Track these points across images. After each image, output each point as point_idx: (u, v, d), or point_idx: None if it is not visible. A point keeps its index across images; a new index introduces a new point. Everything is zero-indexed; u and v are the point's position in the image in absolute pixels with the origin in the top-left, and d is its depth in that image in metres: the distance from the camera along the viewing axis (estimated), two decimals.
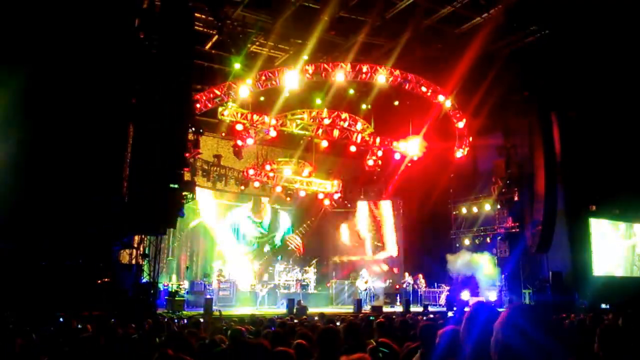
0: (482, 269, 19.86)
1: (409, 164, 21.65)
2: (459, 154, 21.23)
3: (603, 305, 17.11)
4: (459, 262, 20.30)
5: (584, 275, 19.13)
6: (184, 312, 14.40)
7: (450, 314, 12.88)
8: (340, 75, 17.63)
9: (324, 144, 20.82)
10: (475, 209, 21.67)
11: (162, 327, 7.38)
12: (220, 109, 17.96)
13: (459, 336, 2.36)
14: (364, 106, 21.20)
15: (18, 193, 12.53)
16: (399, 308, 17.89)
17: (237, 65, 17.08)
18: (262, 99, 18.94)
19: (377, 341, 3.00)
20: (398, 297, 20.43)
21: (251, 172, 21.24)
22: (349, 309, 17.08)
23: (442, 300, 19.42)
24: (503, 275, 19.48)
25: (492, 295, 18.84)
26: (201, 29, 16.89)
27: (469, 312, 2.31)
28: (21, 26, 12.74)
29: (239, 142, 19.51)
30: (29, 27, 12.83)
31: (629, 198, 19.67)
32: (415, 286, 20.28)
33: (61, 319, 8.51)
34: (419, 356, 3.49)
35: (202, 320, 9.87)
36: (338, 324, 6.90)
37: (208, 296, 16.05)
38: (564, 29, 16.83)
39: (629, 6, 14.81)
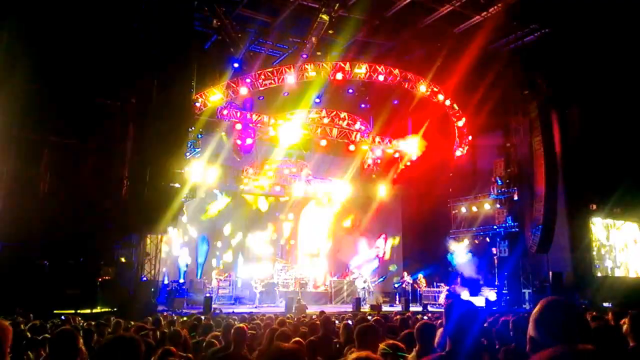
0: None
1: (408, 163, 21.67)
2: (459, 153, 21.25)
3: (605, 304, 17.13)
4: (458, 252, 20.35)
5: (585, 275, 19.13)
6: (184, 311, 14.43)
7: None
8: (339, 75, 17.65)
9: (323, 143, 20.84)
10: (474, 209, 21.68)
11: (162, 325, 7.40)
12: (219, 108, 17.98)
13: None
14: (363, 105, 21.22)
15: (20, 193, 12.58)
16: (398, 307, 17.91)
17: (236, 65, 17.10)
18: (261, 98, 18.97)
19: (390, 345, 3.02)
20: (397, 296, 20.44)
21: (250, 171, 21.25)
22: (348, 307, 17.10)
23: (442, 300, 19.41)
24: (503, 275, 19.48)
25: (491, 295, 18.84)
26: (200, 28, 16.91)
27: (445, 308, 2.37)
28: (23, 26, 12.77)
29: (238, 142, 19.53)
30: (31, 26, 12.87)
31: (630, 197, 19.68)
32: (415, 285, 20.27)
33: (62, 317, 8.55)
34: (414, 354, 3.51)
35: (202, 318, 9.89)
36: (337, 322, 6.92)
37: (207, 294, 16.08)
38: (564, 27, 16.85)
39: (629, 4, 14.82)
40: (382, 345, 2.96)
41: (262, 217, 21.95)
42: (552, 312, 1.66)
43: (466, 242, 21.67)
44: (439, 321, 6.40)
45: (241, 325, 4.83)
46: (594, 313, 6.93)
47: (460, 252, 20.72)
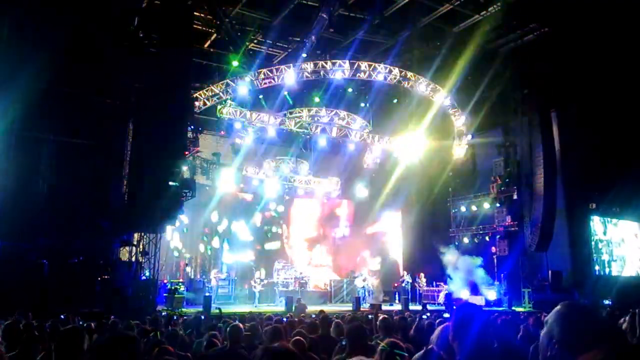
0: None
1: (408, 162, 21.67)
2: (458, 152, 21.25)
3: (605, 302, 17.18)
4: (449, 258, 20.34)
5: (584, 273, 19.15)
6: (183, 310, 14.42)
7: (446, 315, 12.77)
8: (339, 73, 17.64)
9: (323, 142, 20.85)
10: (474, 208, 21.68)
11: (161, 324, 7.39)
12: (219, 107, 17.97)
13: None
14: (362, 104, 21.22)
15: (19, 192, 12.56)
16: (397, 306, 17.91)
17: (235, 64, 17.08)
18: (260, 97, 18.97)
19: (389, 343, 3.02)
20: (397, 296, 20.43)
21: (250, 170, 21.27)
22: (347, 306, 17.10)
23: (441, 299, 19.42)
24: (502, 274, 19.48)
25: (491, 295, 18.84)
26: (200, 27, 16.89)
27: (458, 318, 2.24)
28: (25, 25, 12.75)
29: (238, 140, 19.53)
30: (30, 25, 12.85)
31: (628, 195, 19.69)
32: (416, 284, 20.26)
33: (62, 317, 8.54)
34: (422, 354, 3.48)
35: (202, 317, 9.89)
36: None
37: (207, 294, 16.09)
38: (563, 27, 16.85)
39: (627, 4, 14.83)
40: (382, 343, 2.96)
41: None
42: (578, 312, 1.64)
43: (456, 243, 21.64)
44: (438, 320, 6.40)
45: (236, 324, 4.84)
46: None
47: (452, 255, 20.63)
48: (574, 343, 1.57)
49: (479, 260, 19.73)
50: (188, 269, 19.82)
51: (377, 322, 5.40)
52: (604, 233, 20.99)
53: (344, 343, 4.66)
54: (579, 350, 1.54)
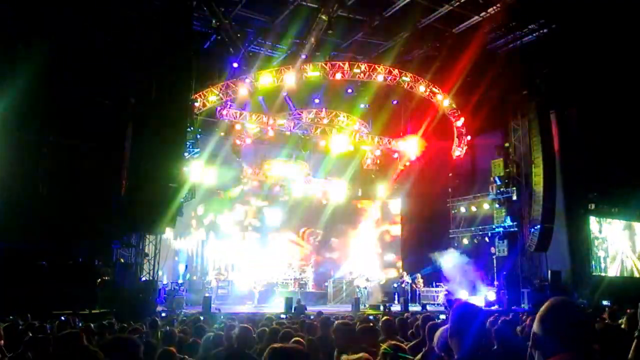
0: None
1: (407, 163, 21.68)
2: (458, 153, 21.27)
3: (604, 302, 17.17)
4: (447, 260, 20.31)
5: (583, 274, 19.17)
6: (183, 311, 14.42)
7: (442, 316, 12.68)
8: (338, 75, 17.66)
9: (322, 143, 20.85)
10: (474, 208, 21.69)
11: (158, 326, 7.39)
12: (218, 108, 17.97)
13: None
14: (362, 105, 21.23)
15: (19, 194, 12.56)
16: (397, 307, 17.91)
17: (235, 65, 17.09)
18: (260, 98, 18.98)
19: (391, 345, 3.02)
20: (396, 296, 20.42)
21: (249, 171, 21.26)
22: (347, 307, 17.09)
23: (441, 300, 19.42)
24: (502, 275, 19.48)
25: (490, 295, 18.83)
26: (200, 28, 16.91)
27: (457, 316, 2.25)
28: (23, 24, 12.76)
29: (238, 142, 19.53)
30: (30, 25, 12.85)
31: (628, 196, 19.70)
32: (414, 285, 20.27)
33: (62, 318, 8.54)
34: (421, 356, 3.49)
35: (202, 318, 9.89)
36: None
37: (207, 294, 16.09)
38: (563, 28, 16.88)
39: (627, 5, 14.85)
40: (383, 345, 2.96)
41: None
42: (557, 312, 1.66)
43: (456, 244, 21.63)
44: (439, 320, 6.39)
45: (246, 325, 4.83)
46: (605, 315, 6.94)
47: (447, 259, 20.60)
48: (546, 343, 1.60)
49: (476, 262, 19.77)
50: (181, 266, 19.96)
51: (380, 324, 5.41)
52: (600, 231, 21.00)
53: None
54: (548, 351, 1.58)
